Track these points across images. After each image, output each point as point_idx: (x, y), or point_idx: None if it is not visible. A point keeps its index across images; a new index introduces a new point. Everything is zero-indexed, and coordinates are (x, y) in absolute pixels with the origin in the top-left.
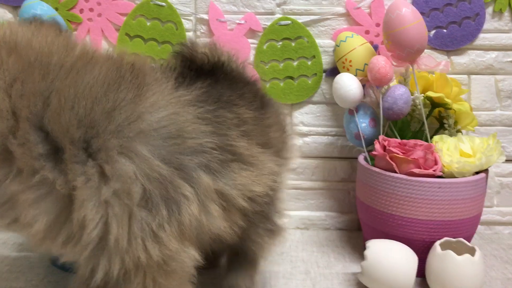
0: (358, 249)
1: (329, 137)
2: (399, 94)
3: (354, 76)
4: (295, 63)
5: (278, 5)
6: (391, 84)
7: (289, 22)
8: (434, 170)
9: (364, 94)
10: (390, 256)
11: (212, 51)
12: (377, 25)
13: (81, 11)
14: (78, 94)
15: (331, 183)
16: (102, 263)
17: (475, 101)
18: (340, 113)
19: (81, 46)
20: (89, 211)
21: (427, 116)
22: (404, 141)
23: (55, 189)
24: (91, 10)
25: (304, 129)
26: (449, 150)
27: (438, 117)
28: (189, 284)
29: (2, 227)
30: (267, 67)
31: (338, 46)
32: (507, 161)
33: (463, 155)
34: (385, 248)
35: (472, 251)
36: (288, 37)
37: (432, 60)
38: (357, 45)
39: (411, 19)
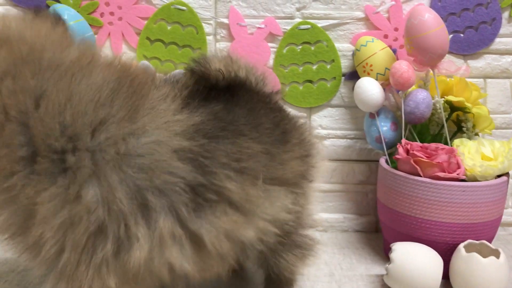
0: (378, 251)
1: (348, 140)
2: (421, 98)
3: (375, 80)
4: (314, 67)
5: (298, 9)
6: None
7: (309, 26)
8: (457, 174)
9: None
10: (417, 259)
11: (227, 66)
12: (396, 29)
13: (102, 15)
14: (67, 102)
15: (349, 186)
16: (51, 282)
17: (491, 105)
18: (358, 116)
19: (79, 45)
20: (47, 231)
21: (446, 120)
22: (426, 144)
23: (19, 199)
24: (111, 14)
25: (323, 132)
26: (470, 153)
27: (456, 121)
28: None
29: None
30: (286, 71)
31: (359, 50)
32: None
33: (485, 159)
34: (411, 250)
35: (496, 253)
36: (308, 41)
37: (452, 65)
38: (377, 50)
39: (433, 25)
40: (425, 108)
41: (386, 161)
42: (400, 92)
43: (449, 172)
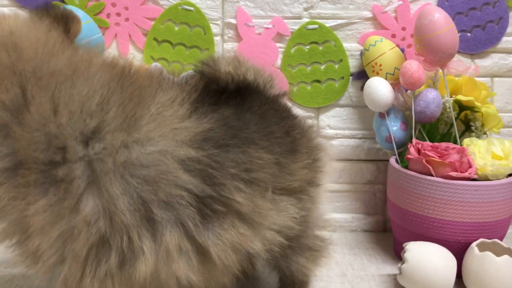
0: (388, 251)
1: (356, 139)
2: (431, 98)
3: (385, 80)
4: (322, 67)
5: (306, 9)
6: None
7: (317, 26)
8: (469, 173)
9: None
10: (432, 258)
11: (236, 69)
12: (403, 29)
13: (108, 15)
14: (51, 112)
15: (358, 185)
16: None
17: (498, 103)
18: (366, 116)
19: (75, 51)
20: (44, 242)
21: (455, 119)
22: (436, 144)
23: (9, 210)
24: (118, 14)
25: (331, 132)
26: (480, 152)
27: (464, 120)
28: None
29: None
30: (294, 70)
31: (367, 50)
32: None
33: (495, 158)
34: (425, 250)
35: (509, 252)
36: (316, 41)
37: (462, 65)
38: (386, 49)
39: (443, 24)
40: (435, 108)
41: (396, 161)
42: (409, 91)
43: (461, 172)
